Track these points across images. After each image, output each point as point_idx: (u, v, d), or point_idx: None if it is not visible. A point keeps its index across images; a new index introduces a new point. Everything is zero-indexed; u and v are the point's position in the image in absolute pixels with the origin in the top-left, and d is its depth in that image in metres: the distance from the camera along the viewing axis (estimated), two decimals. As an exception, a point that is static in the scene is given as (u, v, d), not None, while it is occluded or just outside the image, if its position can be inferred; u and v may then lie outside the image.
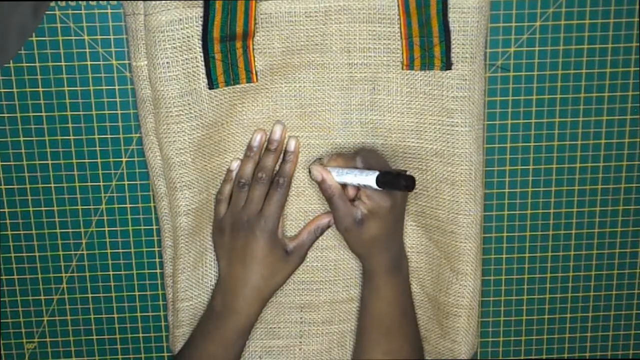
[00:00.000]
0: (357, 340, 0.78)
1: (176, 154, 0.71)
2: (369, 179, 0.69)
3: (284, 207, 0.74)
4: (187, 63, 0.69)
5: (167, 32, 0.68)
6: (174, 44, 0.68)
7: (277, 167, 0.75)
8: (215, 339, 0.73)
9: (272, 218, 0.73)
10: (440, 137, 0.73)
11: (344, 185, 0.72)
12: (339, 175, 0.72)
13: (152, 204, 0.78)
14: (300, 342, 0.80)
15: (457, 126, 0.72)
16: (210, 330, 0.74)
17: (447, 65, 0.71)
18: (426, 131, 0.73)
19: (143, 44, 0.69)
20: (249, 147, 0.74)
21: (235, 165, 0.74)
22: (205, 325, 0.75)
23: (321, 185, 0.72)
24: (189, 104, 0.70)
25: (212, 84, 0.70)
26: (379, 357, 0.75)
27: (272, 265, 0.73)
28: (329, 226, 0.77)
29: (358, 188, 0.72)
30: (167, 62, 0.68)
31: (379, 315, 0.75)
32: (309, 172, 0.75)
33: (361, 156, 0.71)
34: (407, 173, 0.70)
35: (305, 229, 0.76)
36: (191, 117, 0.71)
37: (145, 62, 0.70)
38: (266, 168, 0.73)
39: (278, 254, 0.74)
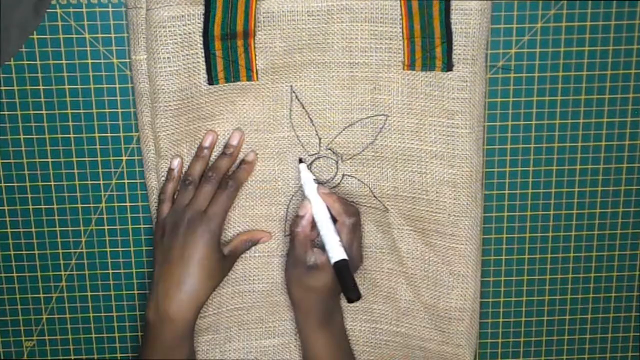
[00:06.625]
0: None
1: (172, 145, 0.71)
2: (333, 252, 0.71)
3: (228, 210, 0.72)
4: (187, 59, 0.69)
5: (168, 27, 0.68)
6: (175, 39, 0.68)
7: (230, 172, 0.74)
8: (156, 348, 0.71)
9: (216, 219, 0.71)
10: (440, 138, 0.73)
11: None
12: (318, 215, 0.73)
13: (152, 203, 0.78)
14: (296, 340, 0.80)
15: (457, 127, 0.72)
16: (148, 339, 0.72)
17: (449, 66, 0.71)
18: (426, 132, 0.73)
19: (143, 37, 0.69)
20: (200, 147, 0.73)
21: (176, 163, 0.73)
22: (144, 334, 0.73)
23: (296, 218, 0.73)
24: (187, 98, 0.70)
25: (212, 80, 0.70)
26: None
27: (209, 268, 0.71)
28: (258, 243, 0.77)
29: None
30: (167, 57, 0.68)
31: None
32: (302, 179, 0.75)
33: (349, 225, 0.73)
34: (358, 289, 0.70)
35: (239, 237, 0.75)
36: (189, 109, 0.71)
37: (145, 56, 0.70)
38: (218, 169, 0.72)
39: (216, 257, 0.72)
